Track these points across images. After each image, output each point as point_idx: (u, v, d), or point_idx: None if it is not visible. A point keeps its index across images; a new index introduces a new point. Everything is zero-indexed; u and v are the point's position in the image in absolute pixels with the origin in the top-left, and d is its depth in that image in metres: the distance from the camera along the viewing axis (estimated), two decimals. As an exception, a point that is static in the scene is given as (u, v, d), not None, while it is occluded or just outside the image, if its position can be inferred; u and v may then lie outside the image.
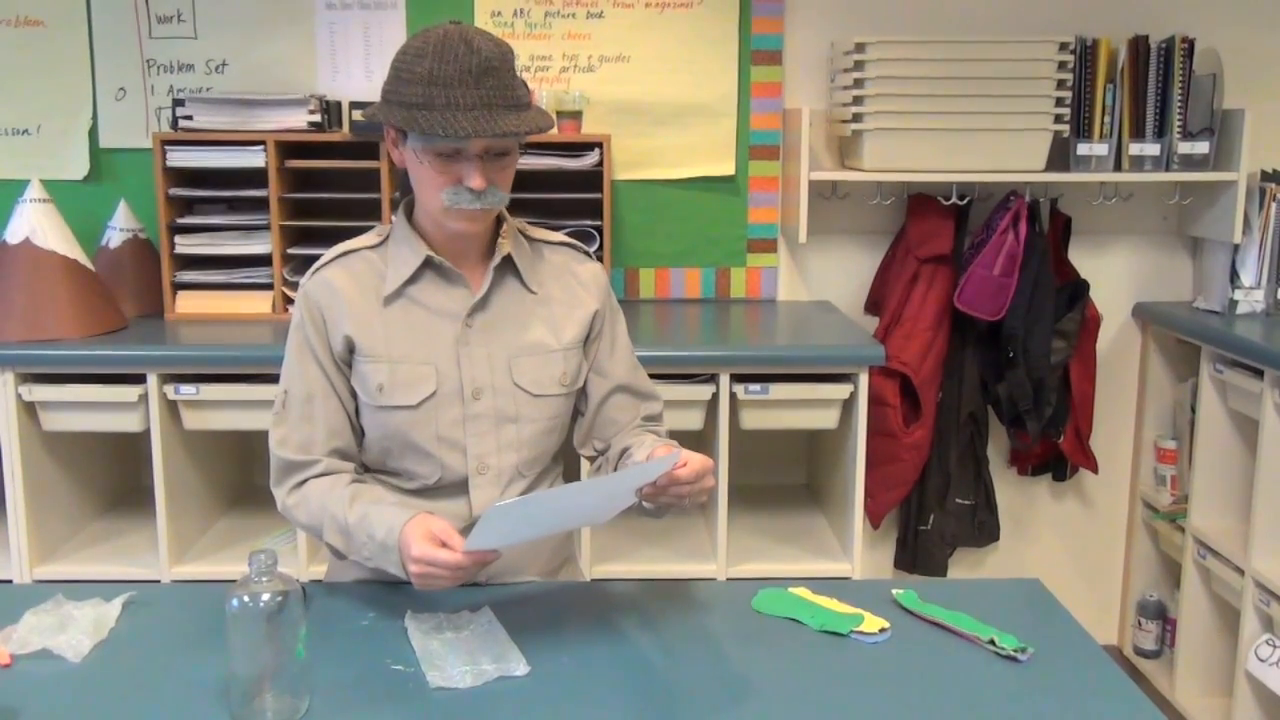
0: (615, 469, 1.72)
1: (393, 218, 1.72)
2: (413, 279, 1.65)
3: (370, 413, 1.65)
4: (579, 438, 1.79)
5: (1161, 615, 3.22)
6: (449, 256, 1.65)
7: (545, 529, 1.58)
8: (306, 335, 1.65)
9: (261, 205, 2.77)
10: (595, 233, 2.80)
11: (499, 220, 1.70)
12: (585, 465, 1.93)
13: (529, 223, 1.79)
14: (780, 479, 3.20)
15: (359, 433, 1.69)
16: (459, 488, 1.67)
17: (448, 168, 1.55)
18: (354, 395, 1.67)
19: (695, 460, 1.50)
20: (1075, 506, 3.31)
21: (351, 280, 1.66)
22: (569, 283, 1.73)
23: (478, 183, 1.54)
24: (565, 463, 1.82)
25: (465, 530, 1.54)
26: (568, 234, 1.81)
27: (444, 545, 1.43)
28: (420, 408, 1.63)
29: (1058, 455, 3.16)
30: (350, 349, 1.64)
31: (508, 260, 1.67)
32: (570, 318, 1.71)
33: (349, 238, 2.98)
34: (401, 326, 1.64)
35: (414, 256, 1.64)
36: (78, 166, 3.00)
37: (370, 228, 2.80)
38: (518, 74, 1.59)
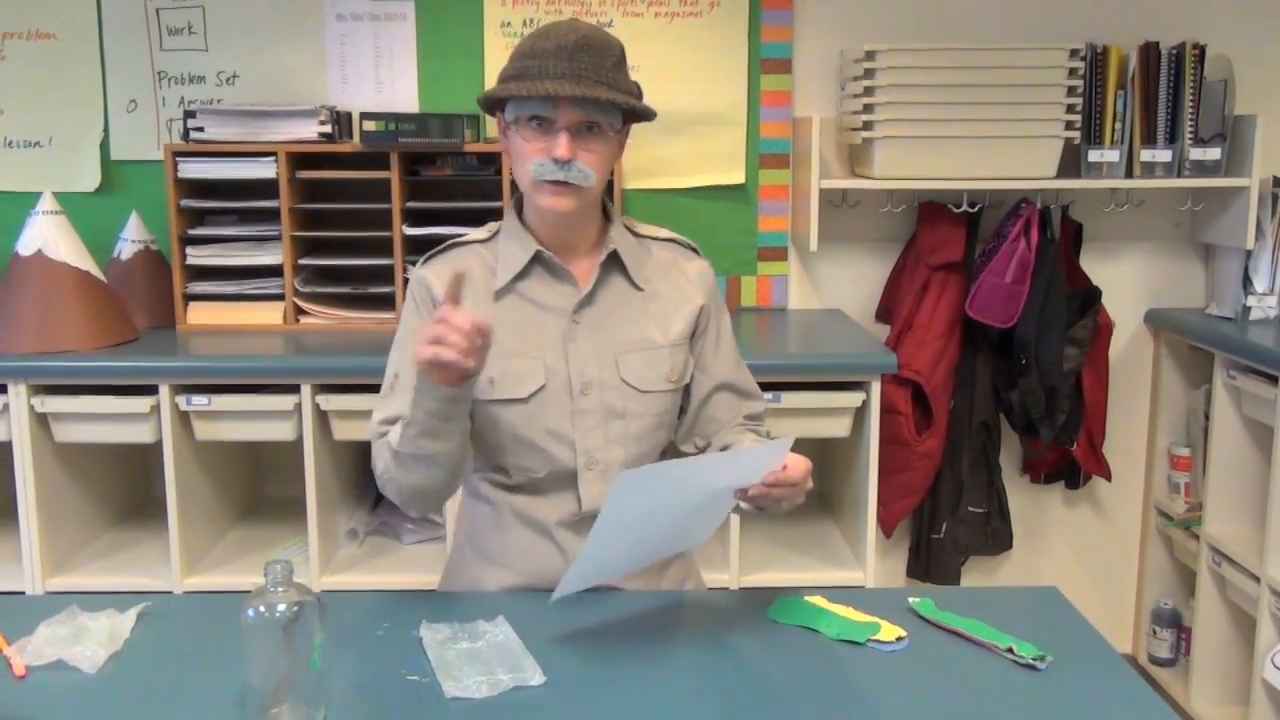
0: None
1: (505, 211, 1.73)
2: (522, 274, 1.67)
3: (480, 408, 1.66)
4: (680, 434, 1.79)
5: (1176, 623, 3.20)
6: (556, 251, 1.67)
7: (654, 542, 1.55)
8: (420, 320, 1.66)
9: (272, 216, 2.77)
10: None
11: (607, 217, 1.71)
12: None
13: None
14: (792, 488, 3.19)
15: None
16: (568, 481, 1.68)
17: (538, 138, 1.58)
18: None
19: (800, 462, 1.50)
20: (1088, 514, 3.30)
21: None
22: (676, 279, 1.74)
23: (562, 151, 1.56)
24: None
25: (571, 522, 1.63)
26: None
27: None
28: (530, 401, 1.65)
29: (1071, 463, 3.15)
30: None
31: (614, 256, 1.69)
32: (677, 313, 1.72)
33: (359, 249, 2.99)
34: (511, 321, 1.66)
35: (523, 252, 1.66)
36: (89, 178, 3.01)
37: (383, 238, 2.83)
38: (627, 70, 1.62)
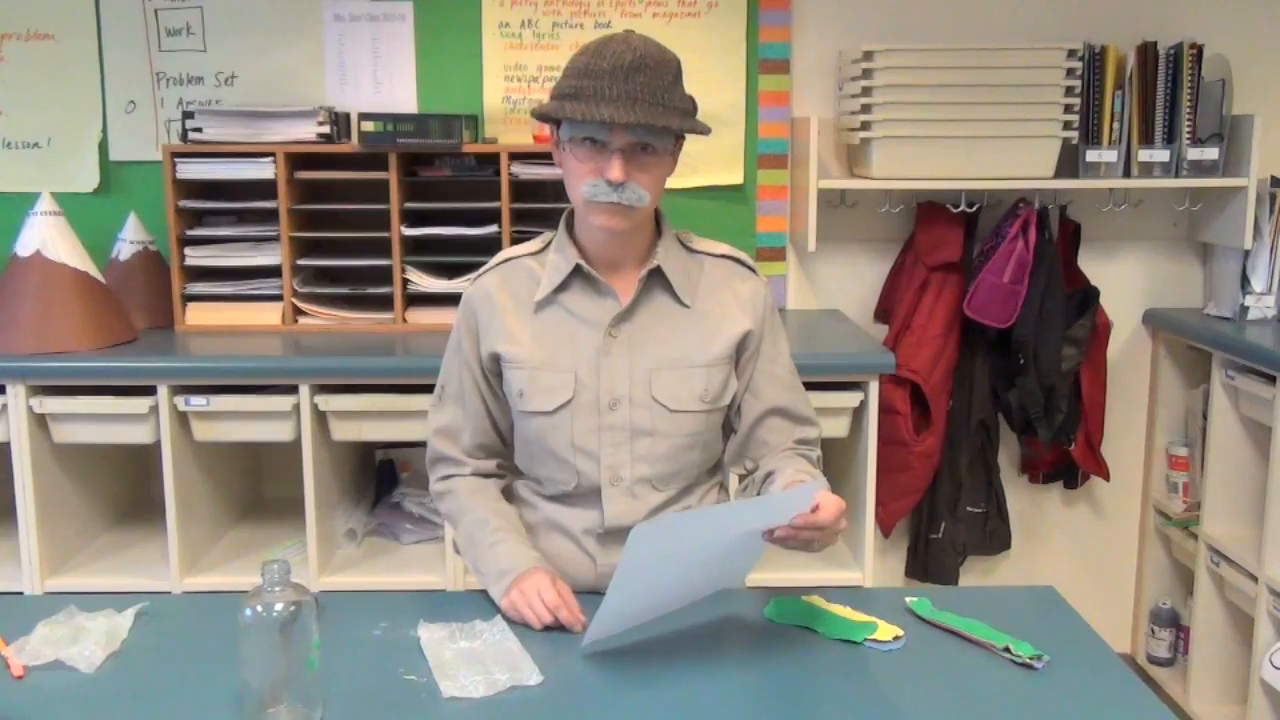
0: (759, 493, 1.71)
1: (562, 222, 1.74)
2: (563, 286, 1.67)
3: (515, 417, 1.71)
4: (730, 455, 1.79)
5: (1175, 623, 3.20)
6: (603, 265, 1.67)
7: (683, 586, 1.54)
8: (461, 338, 1.73)
9: (271, 217, 2.77)
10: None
11: (659, 230, 1.71)
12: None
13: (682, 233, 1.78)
14: (790, 488, 3.19)
15: (505, 433, 1.76)
16: (594, 497, 1.68)
17: (592, 159, 1.58)
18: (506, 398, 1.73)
19: (831, 504, 1.48)
20: (1087, 514, 3.30)
21: (508, 289, 1.70)
22: (725, 298, 1.72)
23: (616, 174, 1.55)
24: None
25: (597, 533, 1.65)
26: None
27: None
28: (555, 414, 1.65)
29: (1069, 462, 3.15)
30: (498, 360, 1.69)
31: (658, 272, 1.67)
32: (719, 334, 1.69)
33: (358, 250, 3.00)
34: (549, 332, 1.67)
35: (565, 264, 1.67)
36: (88, 179, 3.01)
37: (381, 239, 2.83)
38: (682, 85, 1.61)
